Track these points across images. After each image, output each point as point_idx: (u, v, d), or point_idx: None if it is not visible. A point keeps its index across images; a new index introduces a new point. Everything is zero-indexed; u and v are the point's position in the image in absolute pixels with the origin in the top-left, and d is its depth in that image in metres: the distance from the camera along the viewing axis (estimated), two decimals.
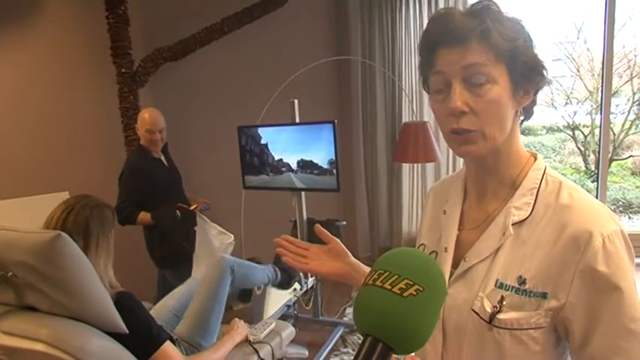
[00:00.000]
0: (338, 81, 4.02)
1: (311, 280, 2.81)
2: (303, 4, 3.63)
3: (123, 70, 3.02)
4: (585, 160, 5.78)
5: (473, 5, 0.69)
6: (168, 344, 1.44)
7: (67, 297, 1.27)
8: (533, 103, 0.75)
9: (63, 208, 1.42)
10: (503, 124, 0.71)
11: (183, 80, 3.47)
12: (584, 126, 5.72)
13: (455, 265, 0.78)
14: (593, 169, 5.61)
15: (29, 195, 2.24)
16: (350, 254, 0.99)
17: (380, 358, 0.43)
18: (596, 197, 3.89)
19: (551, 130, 6.44)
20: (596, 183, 4.27)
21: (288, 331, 1.90)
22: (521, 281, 0.69)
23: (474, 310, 0.72)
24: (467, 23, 0.67)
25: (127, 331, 1.34)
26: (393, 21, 3.67)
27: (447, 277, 0.77)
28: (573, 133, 5.79)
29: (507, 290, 0.70)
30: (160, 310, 1.92)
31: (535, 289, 0.68)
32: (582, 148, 5.80)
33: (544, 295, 0.67)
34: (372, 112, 3.86)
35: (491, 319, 0.70)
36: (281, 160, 2.73)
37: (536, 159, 0.78)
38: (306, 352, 2.56)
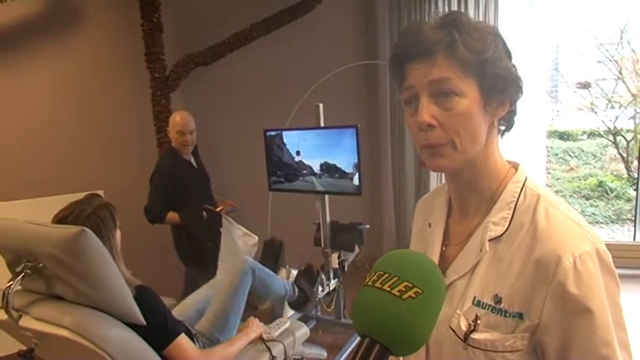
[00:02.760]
0: (366, 85, 4.04)
1: (333, 282, 2.84)
2: (331, 9, 3.68)
3: (156, 75, 3.16)
4: (628, 167, 5.53)
5: (442, 17, 0.68)
6: (183, 337, 1.50)
7: (89, 288, 1.35)
8: (514, 113, 0.73)
9: (59, 217, 1.50)
10: (475, 137, 0.69)
11: (213, 84, 3.58)
12: (627, 131, 5.48)
13: None
14: (635, 176, 5.35)
15: (66, 193, 2.38)
16: None
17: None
18: (636, 205, 3.73)
19: (591, 135, 6.20)
20: (637, 192, 4.09)
21: (302, 331, 1.94)
22: (497, 300, 0.67)
23: (451, 328, 0.71)
24: (434, 36, 0.66)
25: (145, 323, 1.41)
26: None
27: None
28: (615, 139, 5.56)
29: (484, 308, 0.68)
30: (182, 309, 2.00)
31: (511, 309, 0.66)
32: (624, 155, 5.55)
33: (520, 316, 0.65)
34: (401, 116, 3.85)
35: (465, 338, 0.68)
36: (304, 163, 2.78)
37: (517, 170, 0.75)
38: (325, 354, 2.58)
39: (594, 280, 0.62)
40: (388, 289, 0.46)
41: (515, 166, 0.76)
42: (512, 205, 0.71)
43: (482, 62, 0.66)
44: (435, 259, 0.78)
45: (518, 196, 0.72)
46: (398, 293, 0.46)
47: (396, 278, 0.47)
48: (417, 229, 0.90)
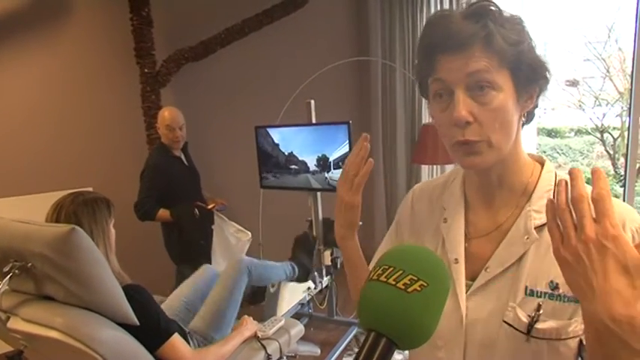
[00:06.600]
0: (358, 82, 4.03)
1: (326, 280, 2.82)
2: (323, 5, 3.65)
3: (146, 70, 3.11)
4: (614, 165, 5.60)
5: (471, 6, 0.66)
6: (176, 337, 1.47)
7: (80, 288, 1.32)
8: (535, 106, 0.72)
9: (54, 207, 1.49)
10: (509, 132, 0.68)
11: (204, 80, 3.53)
12: (613, 128, 5.56)
13: (469, 276, 0.74)
14: (622, 173, 5.42)
15: (54, 190, 2.33)
16: (355, 235, 0.97)
17: (383, 353, 0.44)
18: (623, 202, 3.79)
19: (579, 132, 6.27)
20: (624, 189, 4.14)
21: (297, 329, 1.92)
22: (554, 286, 0.66)
23: (506, 322, 0.68)
24: (469, 28, 0.64)
25: (138, 323, 1.38)
26: (414, 21, 3.65)
27: (462, 289, 0.74)
28: (602, 136, 5.63)
29: (540, 297, 0.67)
30: (172, 301, 1.98)
31: (569, 293, 0.65)
32: (611, 152, 5.62)
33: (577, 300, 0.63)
34: (392, 113, 3.85)
35: (529, 330, 0.66)
36: (297, 160, 2.75)
37: (543, 163, 0.76)
38: (319, 351, 2.57)
39: None
40: (393, 282, 0.46)
41: (539, 160, 0.76)
42: (552, 193, 0.71)
43: (519, 54, 0.65)
44: (461, 254, 0.76)
45: (555, 184, 0.72)
46: (403, 287, 0.45)
47: (401, 272, 0.46)
48: (426, 223, 0.85)
